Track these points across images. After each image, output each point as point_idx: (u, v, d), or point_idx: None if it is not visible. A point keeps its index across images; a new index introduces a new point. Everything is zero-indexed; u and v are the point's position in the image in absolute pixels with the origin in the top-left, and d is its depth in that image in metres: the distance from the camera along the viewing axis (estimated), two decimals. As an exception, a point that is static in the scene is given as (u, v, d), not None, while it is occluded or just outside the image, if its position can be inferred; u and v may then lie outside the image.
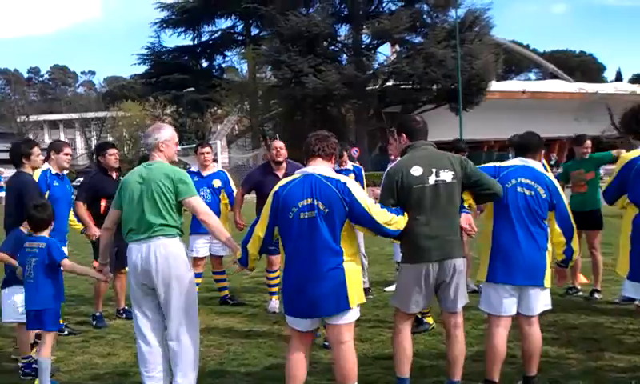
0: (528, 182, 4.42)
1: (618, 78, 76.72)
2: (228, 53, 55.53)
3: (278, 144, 7.45)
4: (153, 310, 4.61)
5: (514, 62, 68.00)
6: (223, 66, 56.29)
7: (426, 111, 40.13)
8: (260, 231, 4.21)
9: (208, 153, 8.00)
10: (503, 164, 4.61)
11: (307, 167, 4.21)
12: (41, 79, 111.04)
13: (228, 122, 55.86)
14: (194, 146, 8.51)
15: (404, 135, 4.54)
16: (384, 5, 41.73)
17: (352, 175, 8.24)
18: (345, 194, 4.02)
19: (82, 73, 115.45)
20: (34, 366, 5.31)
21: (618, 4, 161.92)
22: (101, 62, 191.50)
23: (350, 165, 8.45)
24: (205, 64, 56.09)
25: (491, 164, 4.66)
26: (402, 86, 39.43)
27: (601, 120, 34.62)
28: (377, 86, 40.70)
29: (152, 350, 4.59)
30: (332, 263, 3.99)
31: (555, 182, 4.54)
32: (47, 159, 6.73)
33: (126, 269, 7.15)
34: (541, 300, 4.45)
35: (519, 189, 4.41)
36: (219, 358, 5.70)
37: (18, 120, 64.21)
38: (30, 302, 4.98)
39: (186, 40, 54.06)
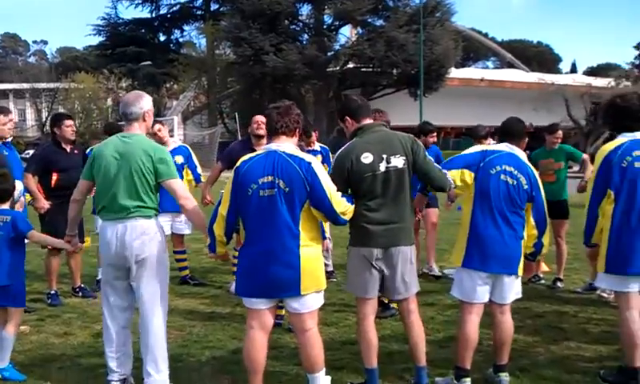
0: (511, 170, 4.33)
1: (573, 69, 78.34)
2: (186, 27, 54.74)
3: (260, 117, 7.20)
4: (124, 289, 4.43)
5: (472, 49, 68.69)
6: (181, 40, 55.46)
7: (386, 95, 40.29)
8: (223, 209, 4.03)
9: (159, 130, 7.70)
10: (490, 148, 4.50)
11: (271, 144, 4.03)
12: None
13: (184, 98, 54.98)
14: (162, 119, 8.23)
15: (348, 118, 4.40)
16: (347, -15, 41.37)
17: (319, 156, 8.12)
18: (308, 174, 3.87)
19: (34, 42, 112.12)
20: None
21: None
22: (53, 31, 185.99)
23: (317, 146, 8.30)
24: (162, 38, 55.13)
25: (479, 148, 4.53)
26: (363, 69, 39.36)
27: (558, 111, 35.19)
28: (337, 68, 40.51)
29: (119, 330, 4.42)
30: (288, 245, 3.86)
31: (536, 174, 4.47)
32: None
33: (82, 245, 6.94)
34: (514, 288, 4.41)
35: (502, 176, 4.31)
36: (182, 341, 5.54)
37: (-35, 88, 61.91)
38: None
39: (143, 12, 52.87)
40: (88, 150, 7.83)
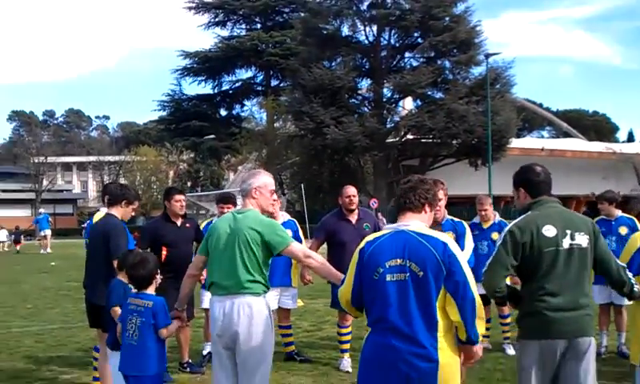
0: None
1: (630, 138, 76.93)
2: (247, 102, 56.20)
3: (351, 191, 7.31)
4: (230, 367, 4.43)
5: (527, 119, 68.31)
6: (242, 114, 56.85)
7: (446, 165, 40.17)
8: (346, 293, 3.65)
9: (273, 203, 7.77)
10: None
11: (399, 223, 3.62)
12: (55, 122, 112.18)
13: (244, 170, 56.01)
14: (211, 192, 8.35)
15: (522, 190, 4.00)
16: (406, 60, 42.03)
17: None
18: (444, 257, 3.38)
19: (97, 117, 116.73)
20: None
21: (623, 66, 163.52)
22: (114, 108, 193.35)
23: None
24: (223, 112, 56.71)
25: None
26: (423, 140, 39.45)
27: (629, 180, 34.49)
28: (397, 139, 40.72)
29: None
30: (424, 335, 3.34)
31: None
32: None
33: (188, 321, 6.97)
34: None
35: None
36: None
37: (35, 161, 64.24)
38: (131, 366, 4.61)
39: (206, 88, 54.63)
40: (204, 224, 7.95)
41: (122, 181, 62.46)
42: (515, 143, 42.48)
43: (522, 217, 3.88)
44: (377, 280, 3.46)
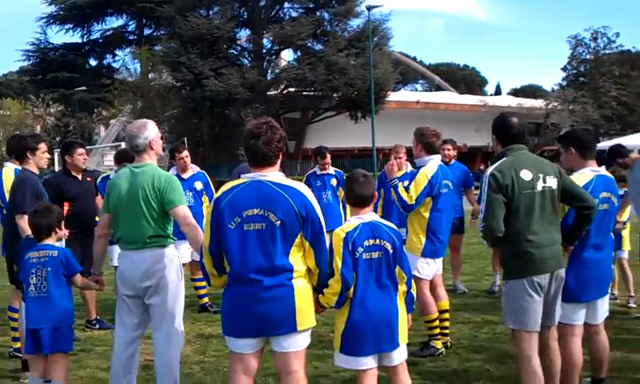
0: (605, 195, 4.42)
1: (498, 91, 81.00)
2: (118, 52, 53.72)
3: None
4: (133, 321, 4.52)
5: (402, 73, 70.06)
6: (113, 65, 54.35)
7: (327, 118, 40.61)
8: (205, 242, 3.74)
9: (187, 156, 7.64)
10: (581, 178, 4.41)
11: (254, 173, 3.71)
12: None
13: (118, 123, 53.77)
14: (93, 147, 8.12)
15: (494, 137, 4.30)
16: (285, 10, 41.58)
17: (334, 180, 8.14)
18: (302, 206, 3.59)
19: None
20: None
21: (488, 21, 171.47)
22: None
23: (332, 169, 8.28)
24: (94, 63, 53.94)
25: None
26: (304, 93, 39.53)
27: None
28: (278, 91, 40.57)
29: (121, 363, 4.48)
30: (279, 280, 3.58)
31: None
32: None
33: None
34: (605, 307, 4.53)
35: (600, 206, 4.36)
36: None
37: None
38: (44, 319, 4.38)
39: (74, 37, 51.56)
40: (99, 179, 7.63)
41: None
42: (392, 96, 43.53)
43: (500, 162, 4.11)
44: (233, 229, 3.59)
